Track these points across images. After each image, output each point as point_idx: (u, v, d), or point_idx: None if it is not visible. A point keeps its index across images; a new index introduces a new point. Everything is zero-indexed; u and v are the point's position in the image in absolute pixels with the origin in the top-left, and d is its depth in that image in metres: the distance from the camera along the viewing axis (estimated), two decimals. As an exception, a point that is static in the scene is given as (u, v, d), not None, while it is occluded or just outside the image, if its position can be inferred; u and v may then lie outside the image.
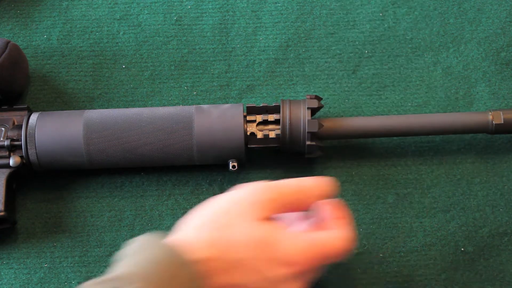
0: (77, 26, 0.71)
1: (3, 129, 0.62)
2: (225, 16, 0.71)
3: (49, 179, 0.65)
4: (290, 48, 0.70)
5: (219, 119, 0.61)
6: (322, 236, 0.48)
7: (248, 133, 0.62)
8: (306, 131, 0.60)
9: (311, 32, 0.71)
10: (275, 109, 0.62)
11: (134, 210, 0.64)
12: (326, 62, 0.70)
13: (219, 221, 0.45)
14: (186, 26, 0.71)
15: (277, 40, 0.70)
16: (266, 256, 0.45)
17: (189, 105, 0.67)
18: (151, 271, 0.41)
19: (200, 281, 0.43)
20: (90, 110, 0.62)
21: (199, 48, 0.70)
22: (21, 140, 0.61)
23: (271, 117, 0.62)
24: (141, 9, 0.71)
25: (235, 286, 0.45)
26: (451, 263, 0.63)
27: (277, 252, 0.45)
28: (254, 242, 0.45)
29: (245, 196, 0.47)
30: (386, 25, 0.71)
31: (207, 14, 0.71)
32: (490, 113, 0.62)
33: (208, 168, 0.65)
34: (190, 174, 0.65)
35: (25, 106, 0.64)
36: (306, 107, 0.61)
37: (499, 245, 0.64)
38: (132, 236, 0.54)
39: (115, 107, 0.67)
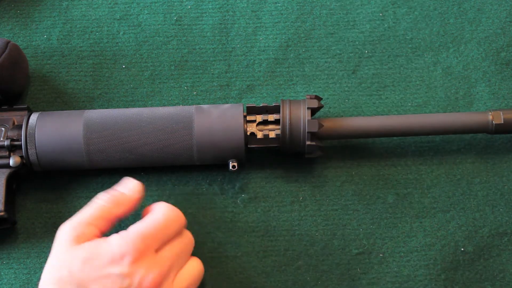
0: (77, 26, 0.71)
1: (3, 129, 0.62)
2: (225, 16, 0.71)
3: (49, 179, 0.65)
4: (290, 48, 0.70)
5: (219, 119, 0.61)
6: (140, 222, 0.56)
7: (248, 133, 0.62)
8: (306, 131, 0.60)
9: (311, 32, 0.71)
10: (275, 109, 0.62)
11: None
12: (326, 62, 0.70)
13: (54, 264, 0.54)
14: (186, 26, 0.71)
15: (277, 40, 0.70)
16: (98, 264, 0.53)
17: (189, 105, 0.67)
18: None
19: None
20: (90, 110, 0.62)
21: (199, 48, 0.70)
22: (21, 140, 0.61)
23: (271, 117, 0.62)
24: (141, 9, 0.71)
25: None
26: (451, 263, 0.63)
27: (104, 256, 0.53)
28: (81, 262, 0.53)
29: (58, 237, 0.55)
30: (386, 25, 0.71)
31: (207, 14, 0.71)
32: (490, 113, 0.62)
33: (208, 168, 0.65)
34: (190, 174, 0.65)
35: (25, 106, 0.64)
36: (306, 107, 0.61)
37: (499, 245, 0.64)
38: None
39: (115, 107, 0.67)
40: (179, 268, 0.56)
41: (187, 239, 0.58)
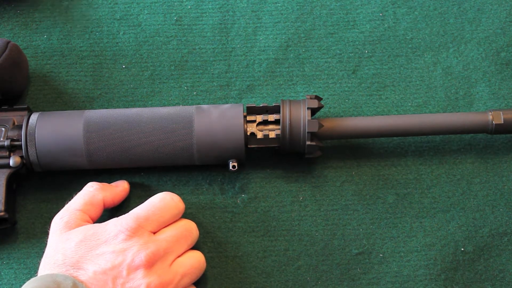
0: (77, 26, 0.71)
1: (3, 129, 0.62)
2: (225, 16, 0.71)
3: (49, 179, 0.65)
4: (290, 48, 0.70)
5: (219, 119, 0.61)
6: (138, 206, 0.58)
7: (248, 133, 0.62)
8: (306, 131, 0.60)
9: (311, 32, 0.71)
10: (275, 109, 0.62)
11: (134, 210, 0.64)
12: (326, 62, 0.70)
13: (48, 253, 0.56)
14: (186, 26, 0.71)
15: (277, 40, 0.70)
16: (93, 244, 0.55)
17: (189, 105, 0.67)
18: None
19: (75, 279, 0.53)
20: (90, 110, 0.62)
21: (199, 48, 0.70)
22: (21, 140, 0.61)
23: (271, 117, 0.62)
24: (141, 9, 0.71)
25: (102, 271, 0.54)
26: (451, 263, 0.63)
27: (100, 236, 0.55)
28: (74, 244, 0.55)
29: (50, 230, 0.58)
30: (386, 25, 0.71)
31: (207, 14, 0.71)
32: (490, 113, 0.62)
33: (208, 168, 0.65)
34: (190, 174, 0.65)
35: (25, 106, 0.64)
36: (306, 107, 0.61)
37: (499, 245, 0.64)
38: (132, 236, 0.55)
39: (115, 107, 0.67)
40: (178, 254, 0.57)
41: (188, 226, 0.59)
